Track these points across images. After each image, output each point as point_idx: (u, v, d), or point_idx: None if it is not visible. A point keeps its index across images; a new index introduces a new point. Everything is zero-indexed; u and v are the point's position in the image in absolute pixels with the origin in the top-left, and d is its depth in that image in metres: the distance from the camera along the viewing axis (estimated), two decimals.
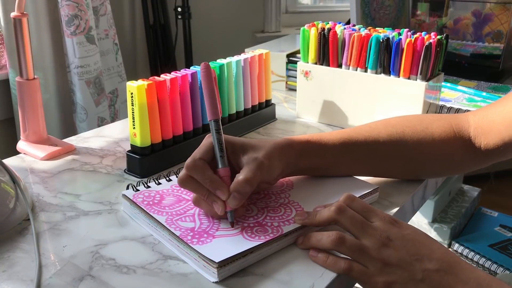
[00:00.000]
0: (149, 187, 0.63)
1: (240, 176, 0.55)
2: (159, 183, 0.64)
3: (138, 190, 0.62)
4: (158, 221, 0.56)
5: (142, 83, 0.67)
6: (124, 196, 0.61)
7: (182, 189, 0.62)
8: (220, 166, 0.56)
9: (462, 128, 0.68)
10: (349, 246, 0.51)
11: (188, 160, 0.55)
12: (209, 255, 0.49)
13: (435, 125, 0.67)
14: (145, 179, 0.64)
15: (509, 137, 0.64)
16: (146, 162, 0.71)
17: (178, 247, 0.53)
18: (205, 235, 0.53)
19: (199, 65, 0.77)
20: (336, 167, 0.65)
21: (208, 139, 0.58)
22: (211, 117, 0.58)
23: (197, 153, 0.56)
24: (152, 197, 0.60)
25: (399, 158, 0.67)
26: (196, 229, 0.54)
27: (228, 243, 0.52)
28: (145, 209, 0.58)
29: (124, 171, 0.73)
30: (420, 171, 0.69)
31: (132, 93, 0.67)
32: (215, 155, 0.57)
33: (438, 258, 0.49)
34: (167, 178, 0.65)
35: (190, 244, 0.51)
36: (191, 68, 0.76)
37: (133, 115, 0.69)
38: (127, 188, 0.62)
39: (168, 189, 0.63)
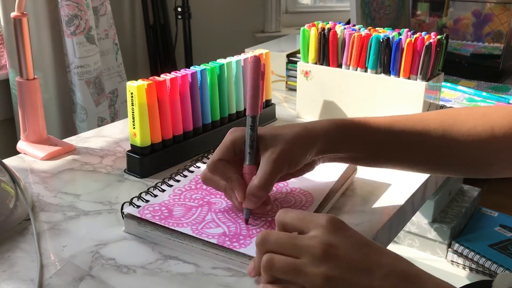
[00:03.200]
0: (147, 201, 0.59)
1: (255, 181, 0.54)
2: (155, 195, 0.60)
3: (138, 206, 0.57)
4: (183, 233, 0.53)
5: (142, 83, 0.67)
6: (129, 215, 0.56)
7: (183, 197, 0.60)
8: (247, 162, 0.56)
9: None
10: (280, 268, 0.43)
11: (209, 162, 0.56)
12: None
13: (495, 115, 0.60)
14: (137, 195, 0.59)
15: None
16: (146, 162, 0.71)
17: (217, 255, 0.52)
18: (241, 237, 0.53)
19: (199, 65, 0.77)
20: (378, 154, 0.60)
21: (230, 136, 0.56)
22: (249, 112, 0.57)
23: (216, 154, 0.56)
24: (159, 211, 0.57)
25: (449, 149, 0.60)
26: (228, 233, 0.53)
27: None
28: (163, 224, 0.54)
29: (124, 171, 0.73)
30: (477, 170, 0.63)
31: (132, 93, 0.67)
32: (244, 151, 0.56)
33: (389, 265, 0.42)
34: (160, 189, 0.61)
35: (234, 249, 0.51)
36: (191, 68, 0.76)
37: (133, 115, 0.69)
38: (122, 207, 0.58)
39: (168, 199, 0.60)
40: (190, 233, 0.53)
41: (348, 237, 0.44)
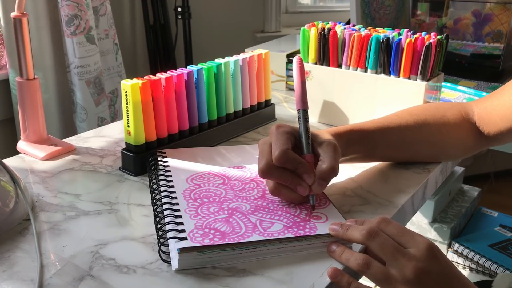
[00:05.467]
0: (183, 230, 0.53)
1: (324, 165, 0.57)
2: (181, 223, 0.55)
3: (183, 238, 0.52)
4: (255, 241, 0.52)
5: (136, 81, 0.68)
6: (183, 249, 0.50)
7: (204, 214, 0.57)
8: (305, 152, 0.60)
9: (469, 115, 0.75)
10: (373, 273, 0.48)
11: (278, 154, 0.56)
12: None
13: (450, 113, 0.73)
14: (157, 230, 0.55)
15: (504, 127, 0.71)
16: (140, 160, 0.71)
17: (295, 246, 0.53)
18: (301, 224, 0.55)
19: (197, 65, 0.77)
20: (373, 153, 0.70)
21: (281, 129, 0.59)
22: (302, 106, 0.63)
23: (282, 144, 0.57)
24: (209, 233, 0.53)
25: (424, 143, 0.73)
26: (290, 225, 0.55)
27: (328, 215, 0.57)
28: (231, 241, 0.51)
29: (119, 168, 0.73)
30: (441, 155, 0.75)
31: (126, 91, 0.68)
32: (301, 142, 0.60)
33: None
34: (174, 215, 0.56)
35: (315, 234, 0.53)
36: (188, 67, 0.76)
37: (127, 113, 0.69)
38: (159, 244, 0.53)
39: (198, 219, 0.56)
40: (262, 238, 0.52)
41: (442, 267, 0.48)
